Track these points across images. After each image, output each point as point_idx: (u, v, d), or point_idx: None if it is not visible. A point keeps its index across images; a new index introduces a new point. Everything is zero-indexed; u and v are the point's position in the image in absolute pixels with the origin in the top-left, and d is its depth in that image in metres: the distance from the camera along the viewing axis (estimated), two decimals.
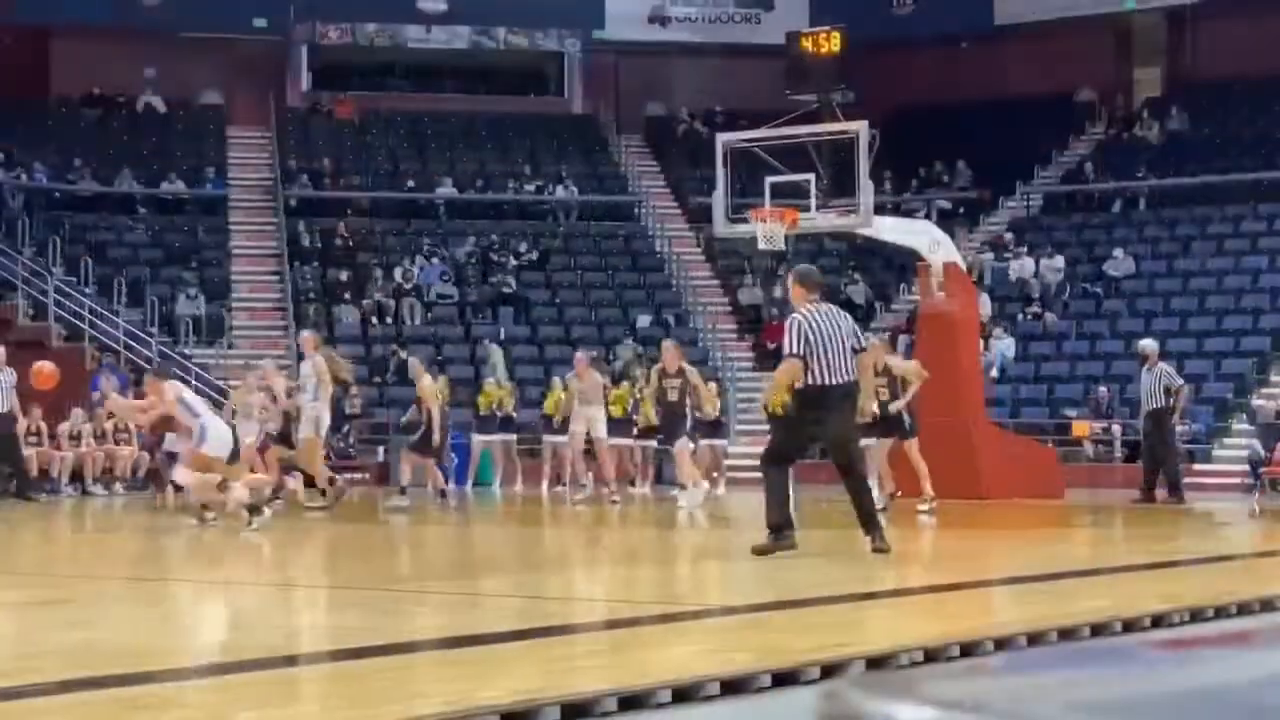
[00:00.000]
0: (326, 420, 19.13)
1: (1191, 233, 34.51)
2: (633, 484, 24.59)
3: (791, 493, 11.35)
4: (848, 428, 11.01)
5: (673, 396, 19.50)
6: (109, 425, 25.14)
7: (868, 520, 10.93)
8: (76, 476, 24.64)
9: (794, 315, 10.87)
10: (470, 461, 26.58)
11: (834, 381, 10.65)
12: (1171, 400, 21.14)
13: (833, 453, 11.21)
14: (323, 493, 18.67)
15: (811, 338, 10.54)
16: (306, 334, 20.38)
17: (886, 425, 17.71)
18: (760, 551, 10.71)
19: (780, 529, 10.73)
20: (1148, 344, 22.17)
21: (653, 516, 18.73)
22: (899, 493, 18.27)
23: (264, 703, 5.23)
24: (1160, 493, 21.06)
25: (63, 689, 5.29)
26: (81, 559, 13.56)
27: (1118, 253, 33.63)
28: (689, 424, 20.18)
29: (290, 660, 6.21)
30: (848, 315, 10.98)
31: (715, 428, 24.55)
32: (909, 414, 18.02)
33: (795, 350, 10.57)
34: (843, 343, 10.56)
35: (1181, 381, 21.57)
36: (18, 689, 5.26)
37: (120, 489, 24.62)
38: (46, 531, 17.28)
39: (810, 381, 10.67)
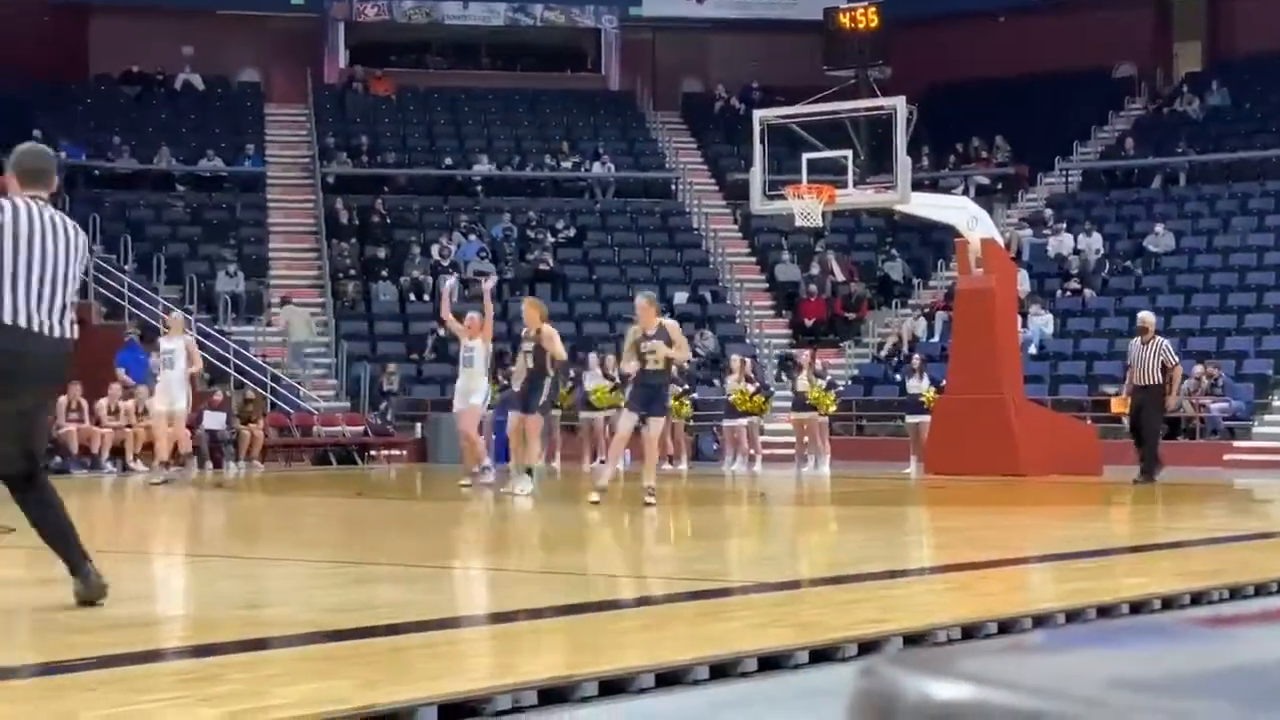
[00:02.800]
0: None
1: (1232, 208, 34.31)
2: (670, 461, 24.60)
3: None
4: None
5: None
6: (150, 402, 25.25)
7: None
8: (117, 453, 24.77)
9: None
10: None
11: None
12: (1168, 379, 20.42)
13: None
14: (165, 465, 19.69)
15: None
16: (177, 315, 21.89)
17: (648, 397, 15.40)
18: None
19: None
20: (1146, 316, 21.44)
21: (685, 493, 18.73)
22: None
23: (303, 677, 5.26)
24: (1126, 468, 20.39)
25: (103, 663, 5.33)
26: (123, 536, 13.63)
27: (1157, 229, 33.46)
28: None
29: (330, 635, 6.24)
30: None
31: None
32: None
33: None
34: None
35: (1178, 360, 20.88)
36: (64, 663, 5.30)
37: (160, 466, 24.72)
38: (88, 508, 17.39)
39: None
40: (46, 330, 6.79)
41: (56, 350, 6.87)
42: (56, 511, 7.15)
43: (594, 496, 15.01)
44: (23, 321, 6.72)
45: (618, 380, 23.17)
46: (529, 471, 17.07)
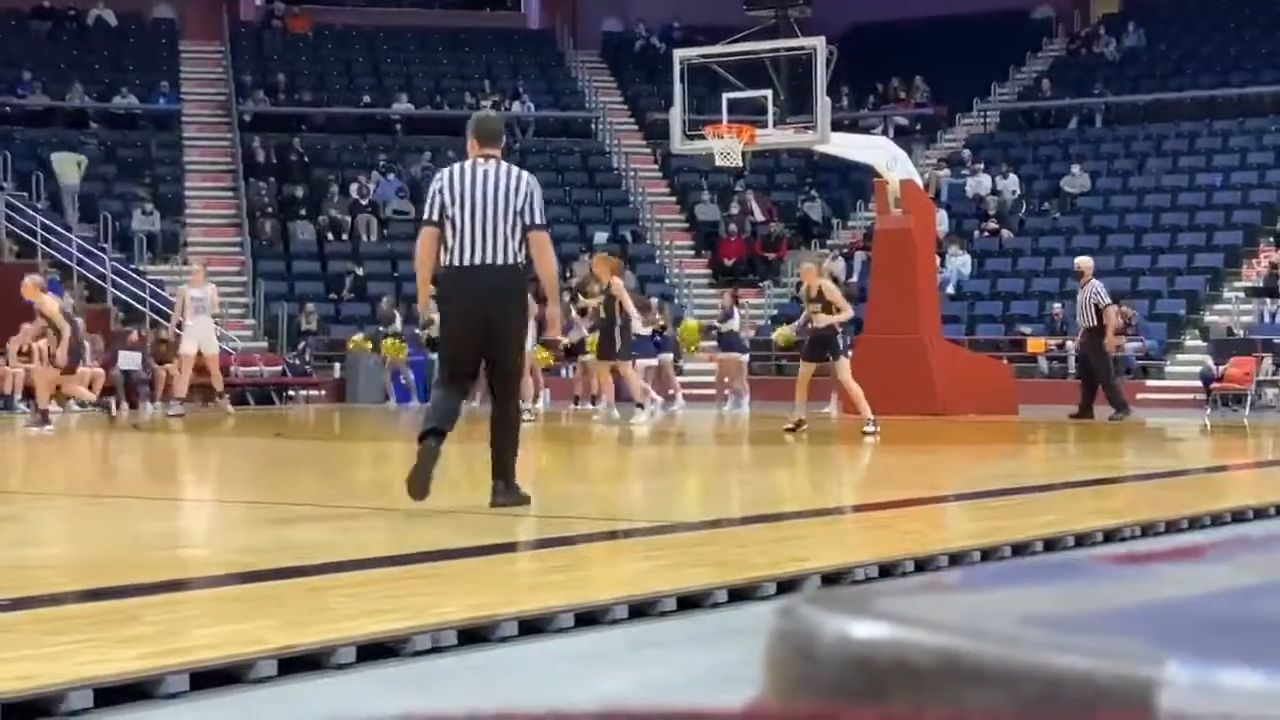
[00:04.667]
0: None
1: (1147, 150, 34.59)
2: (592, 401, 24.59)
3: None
4: None
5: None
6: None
7: None
8: (30, 394, 24.49)
9: None
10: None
11: None
12: (1102, 319, 21.22)
13: None
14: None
15: None
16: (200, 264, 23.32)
17: (814, 348, 17.54)
18: None
19: None
20: (1082, 260, 22.25)
21: (605, 434, 18.77)
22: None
23: (221, 618, 5.24)
24: (1100, 409, 21.13)
25: (14, 605, 5.29)
26: (35, 477, 13.52)
27: (1074, 169, 33.69)
28: (621, 342, 19.68)
29: (248, 576, 6.22)
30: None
31: (660, 344, 24.56)
32: (839, 337, 17.53)
33: None
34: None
35: (1109, 301, 21.52)
36: None
37: (75, 406, 24.50)
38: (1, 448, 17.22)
39: None
40: (492, 260, 8.44)
41: (498, 277, 8.45)
42: None
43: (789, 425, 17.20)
44: (473, 259, 8.44)
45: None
46: (640, 406, 19.68)
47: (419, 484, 8.45)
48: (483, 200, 8.48)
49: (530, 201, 8.53)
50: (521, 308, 8.86)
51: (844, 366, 17.47)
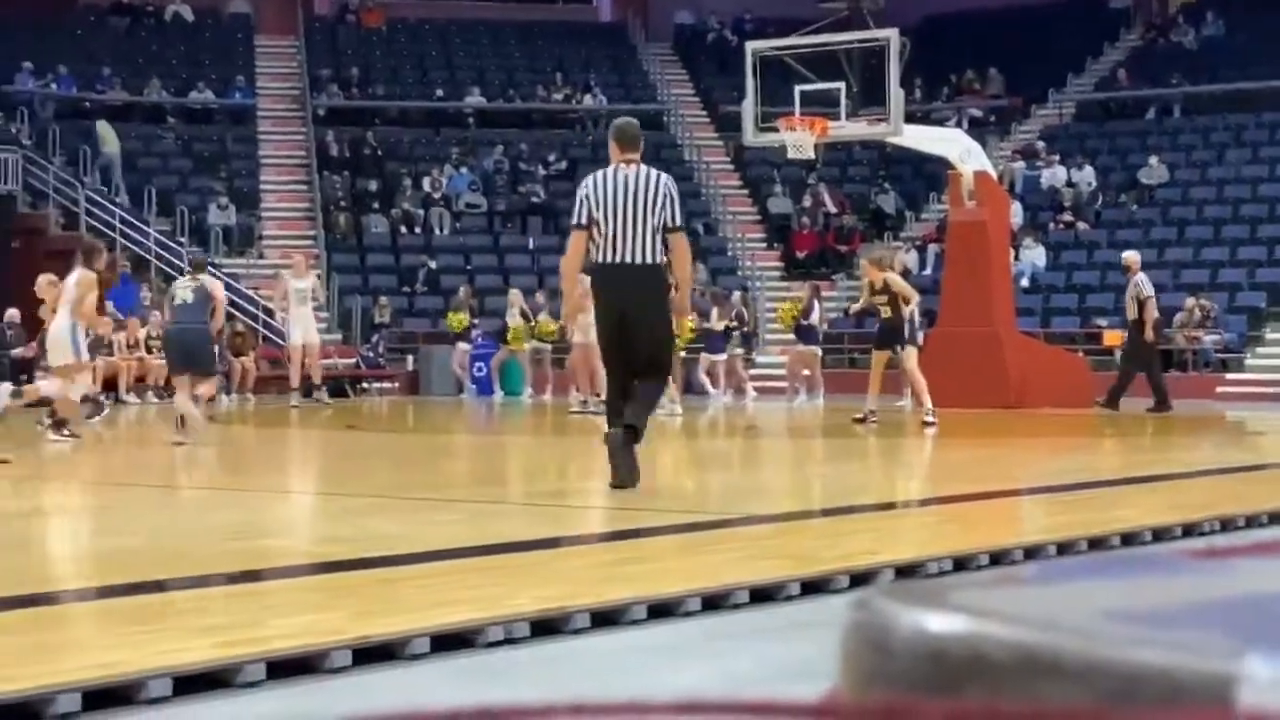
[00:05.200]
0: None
1: (1226, 140, 34.23)
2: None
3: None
4: None
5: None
6: (141, 334, 25.25)
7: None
8: (110, 386, 24.75)
9: None
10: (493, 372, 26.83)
11: None
12: (1143, 312, 21.22)
13: None
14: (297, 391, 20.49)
15: None
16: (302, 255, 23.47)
17: (883, 337, 17.87)
18: None
19: None
20: (1128, 255, 22.36)
21: (679, 425, 18.76)
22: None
23: (297, 609, 5.28)
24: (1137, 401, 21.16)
25: (97, 594, 5.35)
26: (114, 467, 13.65)
27: (1151, 160, 33.39)
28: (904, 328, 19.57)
29: (324, 567, 6.26)
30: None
31: (731, 338, 24.56)
32: (908, 326, 18.03)
33: None
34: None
35: (1151, 292, 21.42)
36: (54, 594, 5.32)
37: (153, 398, 24.75)
38: (80, 440, 17.39)
39: None
40: (633, 259, 9.08)
41: (638, 274, 9.12)
42: None
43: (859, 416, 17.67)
44: (615, 258, 9.11)
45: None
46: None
47: (623, 472, 9.02)
48: (624, 203, 9.13)
49: (669, 204, 9.16)
50: (661, 302, 9.36)
51: (911, 355, 17.74)
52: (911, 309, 18.08)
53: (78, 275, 14.86)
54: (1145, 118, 36.10)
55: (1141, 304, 21.17)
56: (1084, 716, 0.60)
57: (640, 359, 9.19)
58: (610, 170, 9.34)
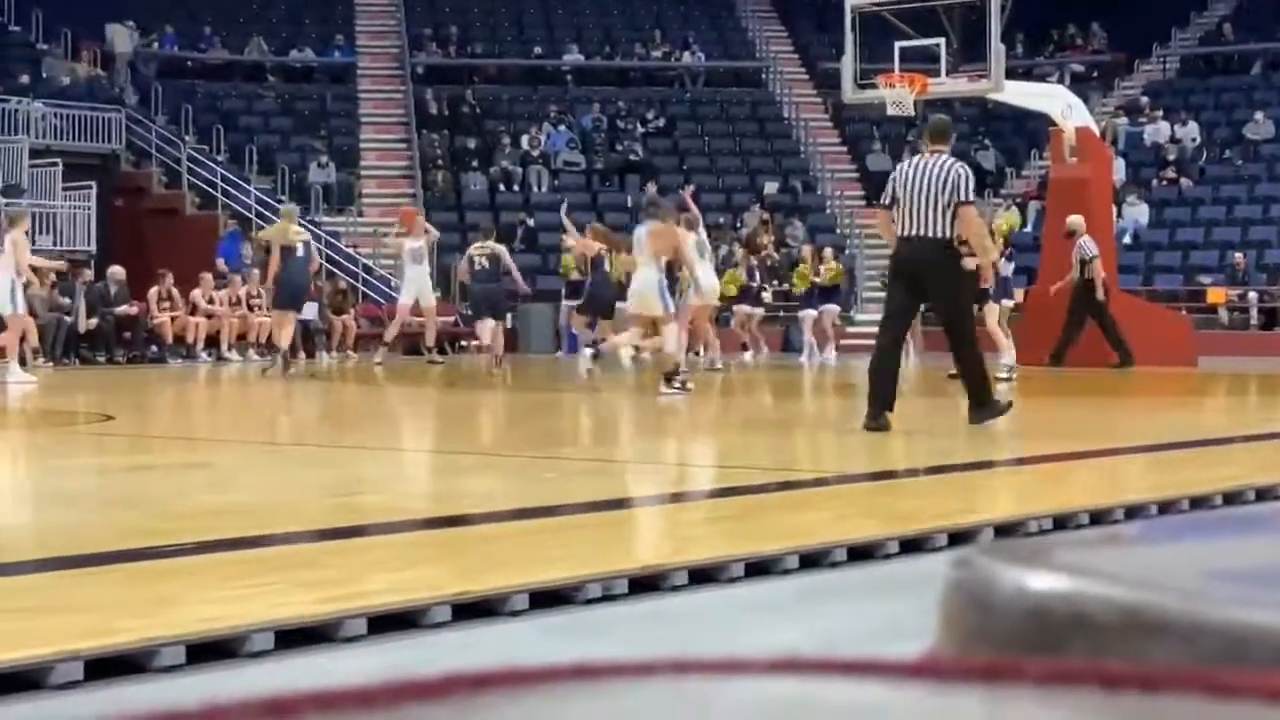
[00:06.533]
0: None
1: None
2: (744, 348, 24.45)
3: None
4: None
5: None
6: (243, 292, 25.50)
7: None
8: (212, 342, 25.04)
9: None
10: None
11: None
12: (1085, 272, 21.02)
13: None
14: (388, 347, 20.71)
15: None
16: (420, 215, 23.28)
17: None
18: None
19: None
20: (1072, 219, 21.84)
21: (766, 385, 18.73)
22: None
23: (398, 565, 5.33)
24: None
25: (201, 549, 5.43)
26: (219, 424, 13.82)
27: (1257, 116, 32.88)
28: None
29: (424, 524, 6.31)
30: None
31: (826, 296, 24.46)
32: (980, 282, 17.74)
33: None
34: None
35: (1095, 253, 21.14)
36: (159, 549, 5.40)
37: (254, 355, 25.01)
38: (184, 397, 17.63)
39: None
40: (923, 233, 10.52)
41: (925, 247, 10.52)
42: None
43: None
44: (910, 232, 10.55)
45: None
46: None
47: (874, 412, 10.65)
48: (918, 186, 10.54)
49: (958, 184, 10.53)
50: (947, 270, 10.76)
51: (991, 311, 17.58)
52: (985, 263, 17.69)
53: None
54: (1251, 72, 35.53)
55: (1084, 265, 21.08)
56: (1188, 676, 0.60)
57: (942, 319, 11.10)
58: (917, 159, 10.94)
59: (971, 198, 10.71)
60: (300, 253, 19.34)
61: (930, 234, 10.58)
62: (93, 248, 26.91)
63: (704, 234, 19.51)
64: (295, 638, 4.28)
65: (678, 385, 14.77)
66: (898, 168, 11.10)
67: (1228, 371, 20.95)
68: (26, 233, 18.16)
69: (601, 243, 20.54)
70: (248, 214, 29.97)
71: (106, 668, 3.95)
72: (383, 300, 29.13)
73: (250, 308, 25.45)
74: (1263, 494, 7.55)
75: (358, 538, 5.95)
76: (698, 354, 21.33)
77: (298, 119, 34.71)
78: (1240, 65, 35.96)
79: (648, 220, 15.28)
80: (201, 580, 4.90)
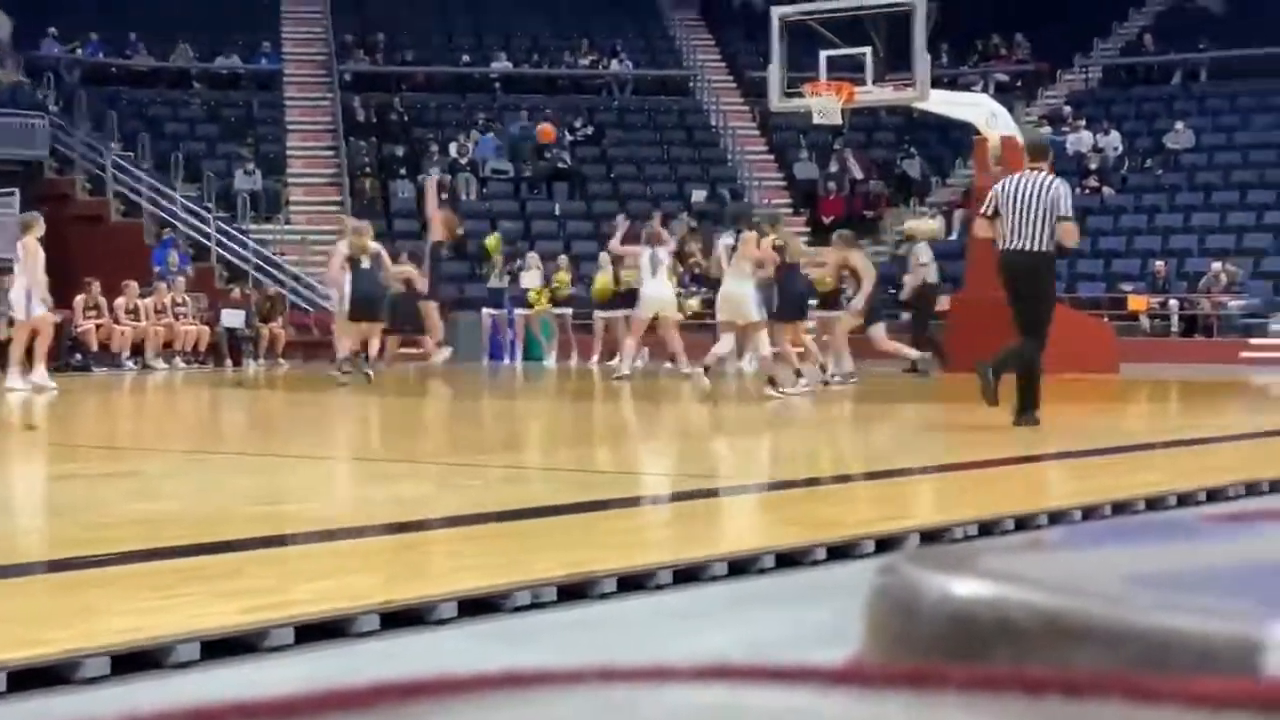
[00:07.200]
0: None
1: (1252, 105, 34.05)
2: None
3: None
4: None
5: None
6: (168, 300, 25.33)
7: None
8: (137, 351, 24.84)
9: None
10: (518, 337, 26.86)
11: None
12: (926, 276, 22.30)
13: None
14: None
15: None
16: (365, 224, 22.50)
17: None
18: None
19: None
20: (908, 224, 23.56)
21: (699, 391, 18.73)
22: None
23: (324, 573, 5.30)
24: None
25: (126, 559, 5.38)
26: (144, 433, 13.71)
27: (1177, 126, 33.24)
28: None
29: (351, 532, 6.28)
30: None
31: None
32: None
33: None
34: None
35: (927, 260, 22.40)
36: (85, 558, 5.35)
37: (180, 363, 24.84)
38: (109, 405, 17.47)
39: None
40: (1023, 246, 11.38)
41: (1023, 258, 11.39)
42: None
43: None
44: (1011, 245, 11.41)
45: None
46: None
47: (988, 395, 11.87)
48: (1021, 201, 11.35)
49: (1058, 200, 11.33)
50: (1039, 281, 11.54)
51: (844, 322, 19.82)
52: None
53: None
54: (1171, 83, 35.92)
55: (923, 269, 22.33)
56: (1111, 682, 0.60)
57: (1021, 321, 11.70)
58: (1019, 175, 11.70)
59: (1071, 213, 11.52)
60: (365, 265, 19.71)
61: (1032, 247, 11.36)
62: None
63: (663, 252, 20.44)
64: (221, 648, 4.25)
65: (791, 388, 16.12)
66: (1000, 183, 11.85)
67: (1149, 378, 21.15)
68: (40, 239, 18.13)
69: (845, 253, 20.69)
70: (172, 221, 29.75)
71: (31, 679, 3.91)
72: (310, 308, 29.00)
73: (176, 316, 25.28)
74: (1184, 499, 7.63)
75: (282, 546, 5.92)
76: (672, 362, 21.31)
77: (224, 126, 34.49)
78: (1161, 75, 36.33)
79: (733, 230, 16.49)
80: (126, 590, 4.86)
